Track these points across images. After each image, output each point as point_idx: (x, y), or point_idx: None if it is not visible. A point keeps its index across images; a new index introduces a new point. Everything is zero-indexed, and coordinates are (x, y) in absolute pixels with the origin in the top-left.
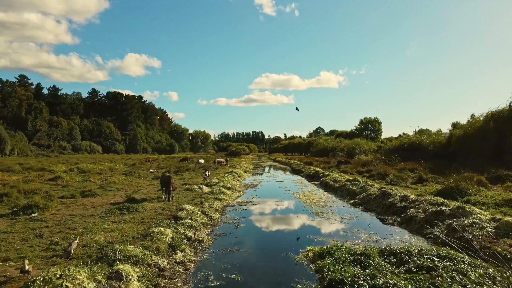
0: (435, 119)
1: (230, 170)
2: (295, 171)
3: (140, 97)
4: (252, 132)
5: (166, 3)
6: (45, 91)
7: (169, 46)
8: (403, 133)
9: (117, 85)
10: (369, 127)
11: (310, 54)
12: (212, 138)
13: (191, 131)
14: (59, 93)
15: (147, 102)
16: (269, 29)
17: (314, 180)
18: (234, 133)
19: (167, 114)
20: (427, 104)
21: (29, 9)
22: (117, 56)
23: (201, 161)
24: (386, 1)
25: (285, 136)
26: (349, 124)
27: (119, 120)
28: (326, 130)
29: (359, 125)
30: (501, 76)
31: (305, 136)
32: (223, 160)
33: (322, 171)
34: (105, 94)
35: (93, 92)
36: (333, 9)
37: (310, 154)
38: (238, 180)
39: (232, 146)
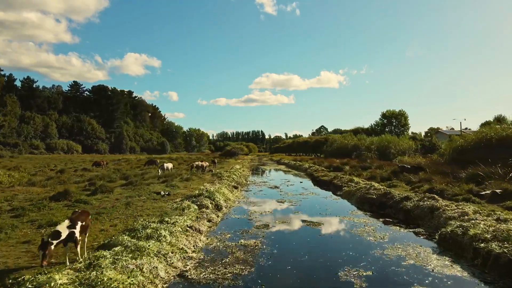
0: (437, 119)
1: (204, 186)
2: (321, 184)
3: (130, 92)
4: (252, 131)
5: (166, 2)
6: (18, 83)
7: (169, 45)
8: (412, 133)
9: (117, 84)
10: (394, 121)
11: (310, 54)
12: (211, 137)
13: (185, 129)
14: (34, 86)
15: (137, 98)
16: (270, 28)
17: (392, 217)
18: (233, 133)
19: (160, 111)
20: (428, 104)
21: (28, 8)
22: (117, 55)
23: (168, 166)
24: (387, 1)
25: (286, 135)
26: (351, 123)
27: (103, 116)
28: (330, 129)
29: (380, 119)
30: (502, 75)
31: (307, 136)
32: (205, 163)
33: (399, 193)
34: (88, 87)
35: (75, 85)
36: (334, 8)
37: (324, 155)
38: (207, 221)
39: (229, 145)
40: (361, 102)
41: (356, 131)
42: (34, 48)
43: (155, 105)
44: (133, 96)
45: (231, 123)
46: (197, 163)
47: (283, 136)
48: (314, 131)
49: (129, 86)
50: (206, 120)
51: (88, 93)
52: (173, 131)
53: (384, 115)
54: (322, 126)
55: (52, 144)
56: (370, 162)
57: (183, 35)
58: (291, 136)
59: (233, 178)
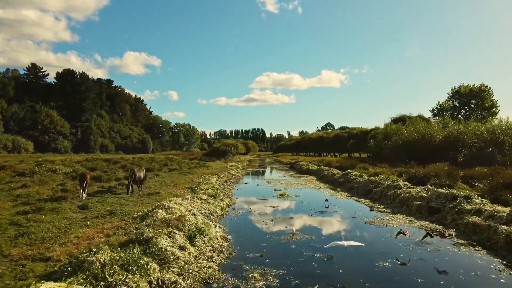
0: None
1: None
2: None
3: (109, 81)
4: (252, 129)
5: (166, 0)
6: None
7: (169, 44)
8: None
9: (117, 83)
10: (472, 102)
11: (311, 53)
12: (208, 136)
13: (173, 124)
14: None
15: (115, 87)
16: (271, 27)
17: None
18: (232, 131)
19: (145, 104)
20: (429, 104)
21: (27, 6)
22: (116, 54)
23: None
24: (389, 0)
25: (289, 134)
26: (354, 122)
27: (69, 107)
28: (336, 127)
29: (450, 99)
30: (502, 76)
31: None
32: None
33: None
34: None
35: (33, 69)
36: (336, 7)
37: (372, 156)
38: None
39: (219, 142)
40: (363, 101)
41: (399, 120)
42: (33, 46)
43: (139, 97)
44: (113, 85)
45: (232, 123)
46: None
47: (285, 135)
48: (320, 128)
49: (129, 85)
50: (206, 120)
51: (48, 79)
52: (159, 126)
53: (455, 94)
54: (329, 123)
55: None
56: None
57: (183, 34)
58: (293, 134)
59: None
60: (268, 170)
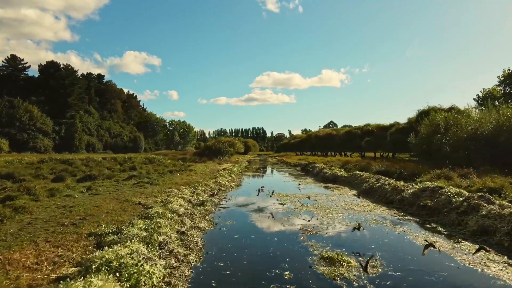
0: None
1: None
2: None
3: (101, 76)
4: (252, 128)
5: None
6: None
7: (169, 43)
8: None
9: (117, 83)
10: None
11: (312, 52)
12: (208, 135)
13: (167, 121)
14: None
15: (106, 82)
16: (272, 26)
17: None
18: (231, 129)
19: (138, 100)
20: (430, 102)
21: (27, 5)
22: (116, 53)
23: None
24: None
25: (290, 133)
26: (356, 122)
27: (52, 102)
28: (339, 126)
29: (500, 84)
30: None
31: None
32: None
33: None
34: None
35: (12, 60)
36: (337, 6)
37: (420, 156)
38: None
39: (213, 140)
40: (364, 100)
41: (429, 113)
42: (33, 46)
43: (132, 93)
44: (103, 80)
45: (232, 123)
46: None
47: (287, 134)
48: (322, 127)
49: (129, 85)
50: (207, 120)
51: (29, 72)
52: (153, 124)
53: (509, 77)
54: (331, 121)
55: None
56: None
57: (183, 33)
58: (294, 133)
59: None
60: (274, 175)
